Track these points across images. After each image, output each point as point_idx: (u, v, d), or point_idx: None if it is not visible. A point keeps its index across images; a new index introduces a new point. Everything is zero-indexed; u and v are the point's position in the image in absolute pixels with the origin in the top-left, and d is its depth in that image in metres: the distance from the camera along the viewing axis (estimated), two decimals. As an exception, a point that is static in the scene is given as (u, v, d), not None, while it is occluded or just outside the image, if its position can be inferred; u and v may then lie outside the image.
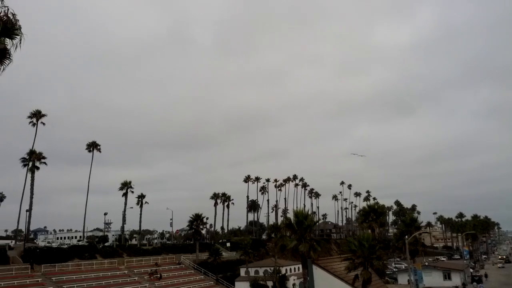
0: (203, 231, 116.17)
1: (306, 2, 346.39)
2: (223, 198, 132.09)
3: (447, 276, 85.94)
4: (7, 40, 19.60)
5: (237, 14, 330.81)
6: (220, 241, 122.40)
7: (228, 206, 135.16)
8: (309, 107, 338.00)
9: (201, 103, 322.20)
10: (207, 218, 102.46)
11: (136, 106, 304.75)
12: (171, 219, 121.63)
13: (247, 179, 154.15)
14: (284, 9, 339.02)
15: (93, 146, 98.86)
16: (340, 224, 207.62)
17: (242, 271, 78.92)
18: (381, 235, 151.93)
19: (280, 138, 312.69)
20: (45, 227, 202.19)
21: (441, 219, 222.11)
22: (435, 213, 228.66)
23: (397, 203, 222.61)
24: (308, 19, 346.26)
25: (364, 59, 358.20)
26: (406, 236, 55.96)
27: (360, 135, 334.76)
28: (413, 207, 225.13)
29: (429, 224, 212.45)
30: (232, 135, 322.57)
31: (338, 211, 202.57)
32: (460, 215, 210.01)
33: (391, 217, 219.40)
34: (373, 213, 79.74)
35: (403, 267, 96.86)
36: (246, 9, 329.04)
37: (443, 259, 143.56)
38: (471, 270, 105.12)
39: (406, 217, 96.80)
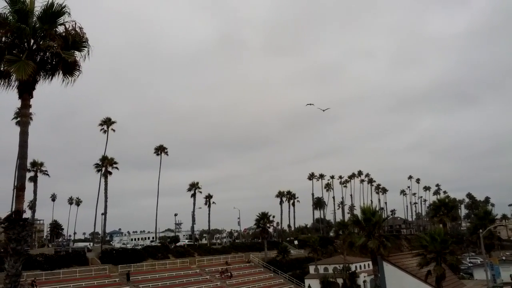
0: (270, 229, 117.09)
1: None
2: (288, 196, 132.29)
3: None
4: (76, 53, 20.88)
5: (285, 13, 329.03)
6: (288, 239, 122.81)
7: (293, 204, 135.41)
8: (367, 102, 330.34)
9: (258, 103, 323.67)
10: (273, 217, 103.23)
11: (195, 110, 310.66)
12: (239, 218, 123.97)
13: (311, 177, 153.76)
14: (333, 4, 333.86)
15: (160, 150, 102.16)
16: (409, 219, 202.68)
17: (311, 269, 78.86)
18: (454, 230, 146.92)
19: (340, 134, 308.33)
20: (119, 229, 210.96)
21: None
22: (511, 205, 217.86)
23: (469, 196, 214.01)
24: (359, 12, 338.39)
25: (420, 49, 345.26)
26: (481, 230, 53.92)
27: (424, 127, 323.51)
28: (487, 199, 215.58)
29: (504, 217, 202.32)
30: (291, 134, 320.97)
31: (407, 206, 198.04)
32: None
33: (463, 211, 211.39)
34: (444, 207, 77.36)
35: (479, 262, 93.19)
36: (294, 7, 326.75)
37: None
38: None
39: (480, 210, 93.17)
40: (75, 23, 20.48)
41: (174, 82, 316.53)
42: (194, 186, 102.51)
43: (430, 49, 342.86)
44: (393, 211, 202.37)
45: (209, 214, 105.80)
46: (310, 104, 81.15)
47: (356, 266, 74.06)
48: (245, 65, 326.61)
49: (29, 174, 78.83)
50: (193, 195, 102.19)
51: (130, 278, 64.08)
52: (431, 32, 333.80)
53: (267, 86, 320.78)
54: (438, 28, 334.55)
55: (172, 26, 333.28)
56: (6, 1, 19.33)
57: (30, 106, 20.73)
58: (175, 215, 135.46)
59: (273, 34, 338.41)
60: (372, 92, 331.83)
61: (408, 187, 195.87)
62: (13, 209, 20.00)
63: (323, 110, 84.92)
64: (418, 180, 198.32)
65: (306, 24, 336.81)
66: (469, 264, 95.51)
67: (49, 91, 22.58)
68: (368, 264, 69.84)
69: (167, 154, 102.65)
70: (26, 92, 20.24)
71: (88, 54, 20.96)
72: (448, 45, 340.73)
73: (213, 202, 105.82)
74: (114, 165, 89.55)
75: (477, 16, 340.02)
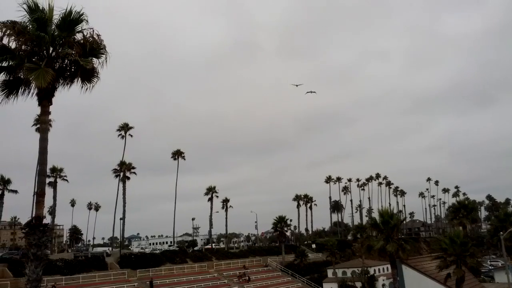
0: (288, 233, 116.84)
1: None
2: (305, 200, 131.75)
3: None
4: (94, 60, 21.13)
5: (299, 16, 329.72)
6: (305, 242, 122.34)
7: (310, 208, 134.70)
8: (383, 104, 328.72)
9: (273, 107, 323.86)
10: (290, 220, 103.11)
11: (211, 114, 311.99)
12: (256, 222, 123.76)
13: (328, 180, 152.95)
14: (347, 6, 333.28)
15: (177, 154, 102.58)
16: (428, 222, 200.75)
17: (329, 272, 78.45)
18: (474, 232, 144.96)
19: (357, 137, 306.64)
20: (138, 233, 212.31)
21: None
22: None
23: (489, 197, 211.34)
24: (373, 14, 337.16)
25: (435, 50, 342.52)
26: (501, 232, 53.14)
27: (441, 128, 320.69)
28: (507, 201, 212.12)
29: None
30: (306, 137, 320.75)
31: (425, 208, 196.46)
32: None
33: (483, 213, 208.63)
34: (463, 209, 76.39)
35: (500, 265, 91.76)
36: (308, 10, 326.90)
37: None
38: None
39: (500, 212, 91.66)
40: (93, 30, 20.76)
41: (189, 87, 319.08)
42: (211, 190, 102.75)
43: (445, 49, 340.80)
44: (411, 214, 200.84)
45: (226, 218, 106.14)
46: (296, 85, 78.82)
47: (374, 270, 73.56)
48: (260, 68, 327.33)
49: (48, 180, 79.74)
50: (210, 199, 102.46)
51: (144, 281, 64.37)
52: (446, 32, 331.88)
53: (282, 89, 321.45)
54: (453, 28, 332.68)
55: (187, 32, 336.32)
56: (25, 10, 19.63)
57: (49, 113, 21.04)
58: (193, 219, 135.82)
59: (287, 37, 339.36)
60: (387, 93, 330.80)
61: (427, 189, 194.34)
62: (34, 215, 20.28)
63: (311, 92, 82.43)
64: (436, 182, 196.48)
65: (320, 27, 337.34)
66: (490, 267, 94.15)
67: (67, 97, 22.90)
68: (387, 268, 69.31)
69: (184, 159, 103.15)
70: (45, 99, 20.55)
71: (106, 61, 21.21)
72: (464, 45, 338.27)
73: (230, 206, 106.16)
74: (132, 170, 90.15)
75: (492, 15, 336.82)
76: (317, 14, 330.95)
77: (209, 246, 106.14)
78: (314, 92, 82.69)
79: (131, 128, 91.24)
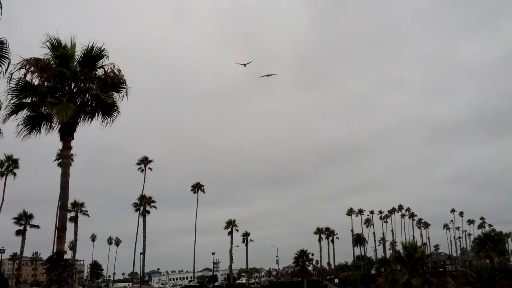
0: (310, 268, 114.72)
1: (382, 28, 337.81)
2: (327, 233, 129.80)
3: None
4: (114, 94, 21.42)
5: (314, 47, 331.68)
6: (328, 277, 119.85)
7: (332, 241, 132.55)
8: (402, 133, 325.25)
9: (290, 138, 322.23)
10: (312, 254, 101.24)
11: (229, 146, 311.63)
12: (277, 256, 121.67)
13: (350, 212, 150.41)
14: (361, 37, 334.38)
15: (197, 187, 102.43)
16: (454, 254, 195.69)
17: (353, 308, 76.69)
18: (501, 265, 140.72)
19: (377, 168, 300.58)
20: (158, 268, 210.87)
21: None
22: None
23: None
24: (388, 43, 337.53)
25: (452, 78, 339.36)
26: (531, 265, 51.51)
27: (463, 158, 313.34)
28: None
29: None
30: (325, 168, 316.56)
31: (450, 241, 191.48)
32: None
33: (510, 245, 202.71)
34: (489, 241, 74.35)
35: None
36: (323, 40, 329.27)
37: None
38: None
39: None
40: (114, 66, 21.13)
41: (206, 119, 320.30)
42: (231, 224, 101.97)
43: (463, 77, 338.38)
44: (436, 247, 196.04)
45: (246, 252, 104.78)
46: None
47: (400, 305, 71.53)
48: (276, 100, 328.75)
49: (69, 215, 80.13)
50: (230, 233, 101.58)
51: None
52: (463, 60, 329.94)
53: (299, 120, 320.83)
54: (470, 56, 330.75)
55: (204, 65, 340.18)
56: (48, 47, 20.09)
57: (71, 147, 21.23)
58: (213, 253, 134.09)
59: (303, 68, 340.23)
60: (406, 123, 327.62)
61: (451, 220, 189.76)
62: (55, 250, 20.22)
63: (268, 76, 78.73)
64: (461, 214, 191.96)
65: (335, 57, 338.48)
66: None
67: (88, 131, 23.09)
68: (413, 303, 67.38)
69: (204, 192, 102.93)
70: (67, 134, 20.79)
71: (126, 95, 21.53)
72: (481, 72, 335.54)
73: (251, 240, 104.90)
74: (152, 204, 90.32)
75: (509, 42, 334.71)
76: (332, 45, 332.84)
77: (244, 280, 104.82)
78: (275, 74, 78.89)
79: (150, 161, 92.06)
